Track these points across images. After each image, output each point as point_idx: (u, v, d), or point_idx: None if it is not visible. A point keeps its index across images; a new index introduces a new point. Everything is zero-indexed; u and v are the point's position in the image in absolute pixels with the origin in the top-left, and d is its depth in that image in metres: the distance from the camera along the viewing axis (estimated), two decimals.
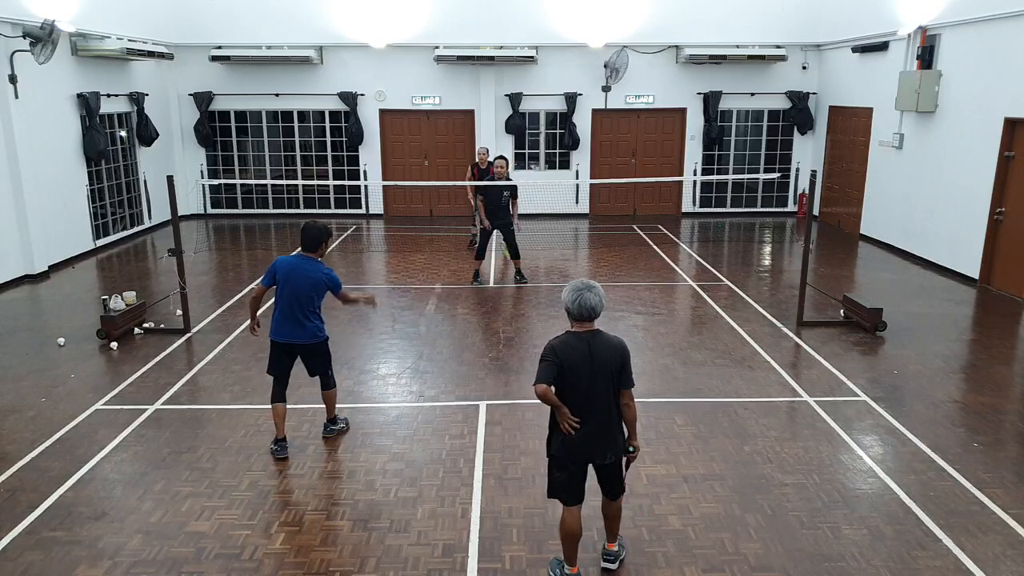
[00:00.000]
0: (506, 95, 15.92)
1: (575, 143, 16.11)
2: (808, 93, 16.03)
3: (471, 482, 5.39)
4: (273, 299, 5.72)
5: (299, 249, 5.75)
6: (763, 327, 8.86)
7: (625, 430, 4.22)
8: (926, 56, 11.76)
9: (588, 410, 4.07)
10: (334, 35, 15.47)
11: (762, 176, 16.36)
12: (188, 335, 8.60)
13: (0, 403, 6.77)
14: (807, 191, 15.02)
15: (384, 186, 16.42)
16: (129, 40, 13.12)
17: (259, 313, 5.94)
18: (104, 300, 8.79)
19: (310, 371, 5.99)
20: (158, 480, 5.42)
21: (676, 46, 15.76)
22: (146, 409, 6.62)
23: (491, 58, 15.21)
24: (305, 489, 5.31)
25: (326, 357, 5.98)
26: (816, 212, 15.79)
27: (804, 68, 15.98)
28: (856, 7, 14.20)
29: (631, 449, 4.22)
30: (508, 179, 10.87)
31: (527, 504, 5.10)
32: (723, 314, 9.36)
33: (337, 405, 6.19)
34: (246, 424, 6.30)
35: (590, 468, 4.28)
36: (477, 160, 12.79)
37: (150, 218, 15.06)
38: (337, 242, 13.97)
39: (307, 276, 5.58)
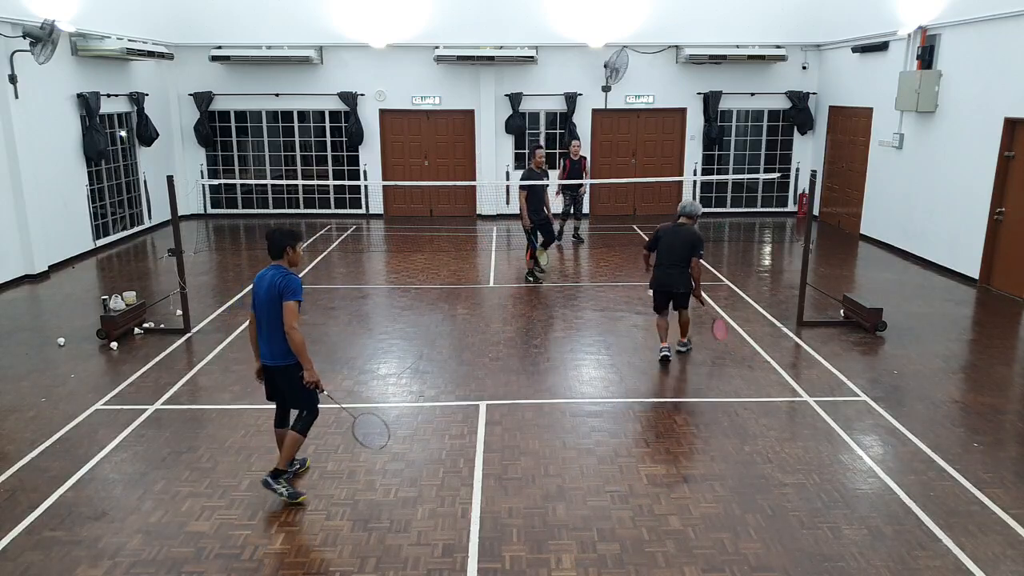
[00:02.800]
0: (506, 95, 15.92)
1: None
2: (808, 93, 16.03)
3: (471, 482, 5.39)
4: None
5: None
6: (763, 327, 8.86)
7: (687, 275, 7.55)
8: (926, 56, 11.76)
9: (669, 262, 7.53)
10: (334, 35, 15.47)
11: (762, 176, 16.36)
12: (188, 335, 8.60)
13: (0, 403, 6.78)
14: (807, 191, 15.03)
15: (384, 186, 16.42)
16: (129, 40, 13.12)
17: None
18: (104, 300, 8.79)
19: (287, 402, 5.29)
20: (158, 480, 5.42)
21: (676, 46, 15.76)
22: (146, 409, 6.62)
23: (491, 58, 15.21)
24: (305, 489, 5.30)
25: (301, 390, 5.10)
26: (816, 212, 15.79)
27: (804, 68, 15.98)
28: (856, 7, 14.20)
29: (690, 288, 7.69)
30: (545, 171, 11.52)
31: (527, 504, 5.10)
32: (723, 314, 9.35)
33: (335, 406, 5.83)
34: (246, 424, 6.30)
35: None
36: (570, 153, 13.17)
37: (150, 218, 15.06)
38: (337, 242, 13.98)
39: (268, 284, 4.97)
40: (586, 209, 16.62)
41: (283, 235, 5.11)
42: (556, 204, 13.43)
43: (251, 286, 5.20)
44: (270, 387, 5.30)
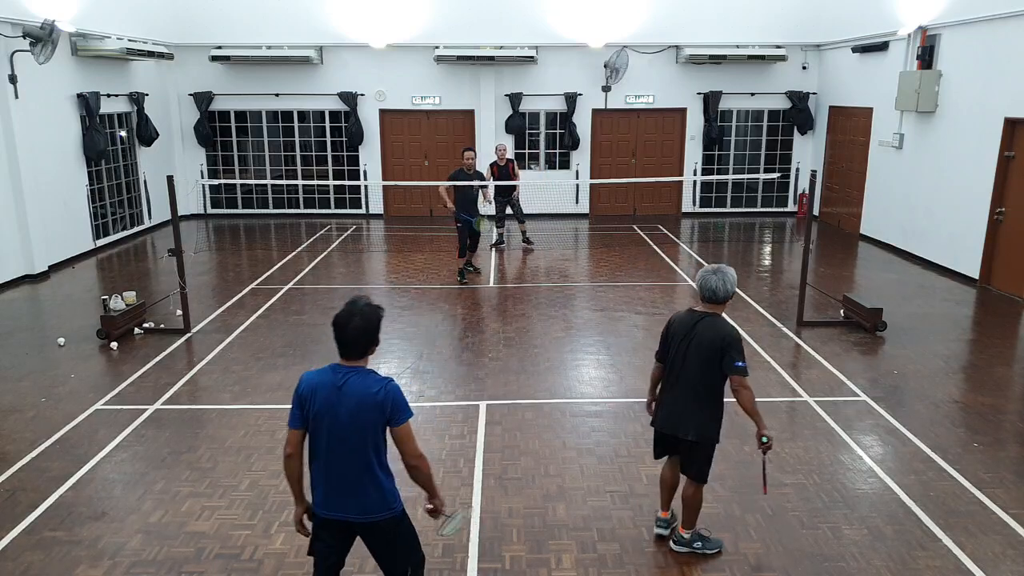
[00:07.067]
0: (506, 95, 15.92)
1: (575, 143, 16.12)
2: (808, 93, 16.03)
3: (471, 482, 5.39)
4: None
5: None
6: (763, 327, 8.86)
7: (707, 412, 4.32)
8: (926, 56, 11.75)
9: (675, 382, 4.35)
10: (334, 35, 15.47)
11: (762, 176, 16.36)
12: (188, 335, 8.60)
13: (0, 403, 6.78)
14: (807, 191, 15.01)
15: (384, 186, 16.42)
16: (129, 40, 13.12)
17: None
18: (104, 300, 8.79)
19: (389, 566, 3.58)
20: (158, 480, 5.42)
21: (676, 46, 15.76)
22: (146, 409, 6.62)
23: (491, 58, 15.21)
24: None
25: (405, 545, 3.59)
26: (816, 212, 15.79)
27: (804, 68, 15.98)
28: (856, 7, 14.20)
29: (764, 439, 4.15)
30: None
31: (527, 504, 5.10)
32: (723, 314, 9.33)
33: None
34: (246, 424, 6.30)
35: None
36: (496, 158, 12.93)
37: (150, 218, 15.06)
38: (337, 242, 13.98)
39: (357, 400, 3.49)
40: (585, 209, 16.67)
41: (376, 320, 3.47)
42: (487, 208, 12.80)
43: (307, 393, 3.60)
44: (328, 545, 3.52)
